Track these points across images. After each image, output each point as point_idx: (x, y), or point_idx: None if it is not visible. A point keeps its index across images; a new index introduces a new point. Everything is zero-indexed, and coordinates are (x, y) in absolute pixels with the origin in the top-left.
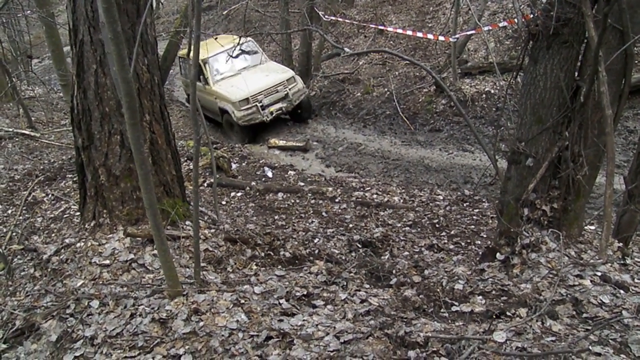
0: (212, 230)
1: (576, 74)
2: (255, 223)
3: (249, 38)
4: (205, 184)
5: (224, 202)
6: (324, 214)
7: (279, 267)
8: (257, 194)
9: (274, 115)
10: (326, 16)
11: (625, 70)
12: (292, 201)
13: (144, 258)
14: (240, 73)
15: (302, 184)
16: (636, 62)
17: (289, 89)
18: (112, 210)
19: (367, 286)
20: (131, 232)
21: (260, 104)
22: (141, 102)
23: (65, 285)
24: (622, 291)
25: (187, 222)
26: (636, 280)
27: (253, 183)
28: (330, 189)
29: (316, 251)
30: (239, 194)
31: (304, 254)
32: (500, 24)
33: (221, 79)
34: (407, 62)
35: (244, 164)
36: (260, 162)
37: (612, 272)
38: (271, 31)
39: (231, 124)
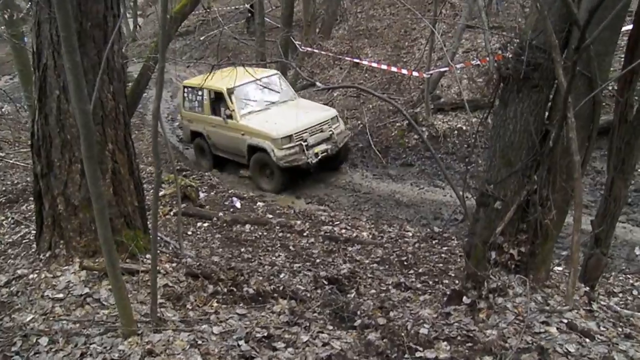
0: (174, 265)
1: (545, 118)
2: (220, 255)
3: (275, 71)
4: (172, 213)
5: (189, 233)
6: (291, 247)
7: (241, 304)
8: (224, 225)
9: (319, 157)
10: (303, 47)
11: (594, 116)
12: (260, 233)
13: (99, 292)
14: (270, 108)
15: (271, 216)
16: (603, 103)
17: (334, 129)
18: (69, 241)
19: (331, 327)
20: (87, 266)
21: (305, 143)
22: (104, 131)
23: (14, 319)
24: (587, 340)
25: (148, 255)
26: (602, 328)
27: (220, 214)
28: (298, 222)
29: (281, 287)
30: (205, 225)
31: (268, 291)
32: (473, 62)
33: (248, 112)
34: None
35: (212, 193)
36: (229, 192)
37: (579, 319)
38: (245, 61)
39: (263, 165)
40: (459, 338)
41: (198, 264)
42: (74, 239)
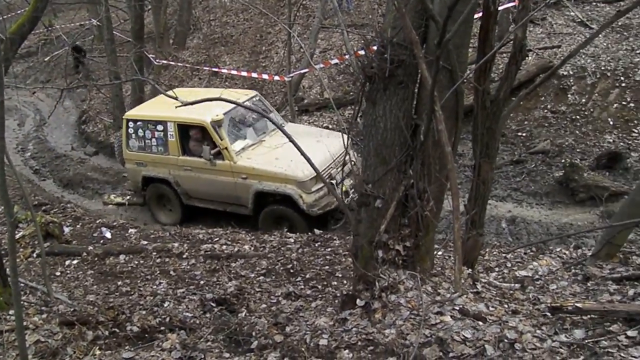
0: (44, 316)
1: (413, 112)
2: (96, 293)
3: (254, 92)
4: (35, 254)
5: (58, 273)
6: (171, 272)
7: (127, 346)
8: (96, 259)
9: (350, 196)
10: (157, 60)
11: (457, 106)
12: (136, 262)
13: None
14: (265, 140)
15: (145, 242)
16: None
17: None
18: None
19: (227, 355)
20: None
21: (334, 180)
22: None
23: None
24: (480, 322)
25: (12, 311)
26: (491, 308)
27: (90, 247)
28: (176, 244)
29: (167, 319)
30: (75, 262)
31: (154, 325)
32: (332, 61)
33: (242, 149)
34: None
35: (78, 226)
36: (97, 222)
37: (469, 303)
38: (96, 82)
39: (278, 218)
40: (359, 343)
41: (72, 309)
42: None
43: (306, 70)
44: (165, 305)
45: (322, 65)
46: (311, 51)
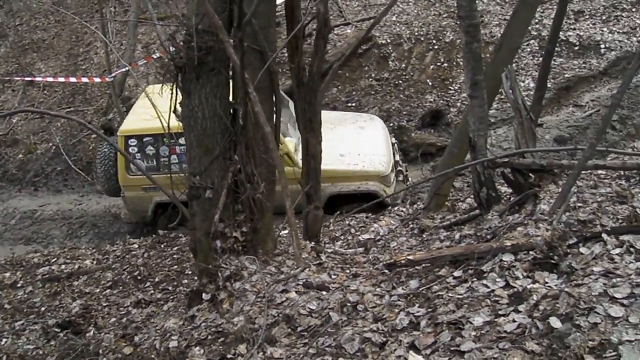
0: None
1: (231, 98)
2: None
3: None
4: None
5: None
6: (6, 306)
7: None
8: None
9: (409, 181)
10: None
11: (273, 86)
12: None
13: None
14: (296, 131)
15: None
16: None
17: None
18: None
19: None
20: None
21: (399, 167)
22: None
23: None
24: (324, 292)
25: None
26: (333, 277)
27: None
28: (7, 274)
29: (4, 357)
30: None
31: None
32: (154, 56)
33: (295, 150)
34: (66, 113)
35: None
36: None
37: (312, 276)
38: None
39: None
40: (209, 337)
41: None
42: None
43: (128, 68)
44: (2, 343)
45: (144, 61)
46: (132, 48)
